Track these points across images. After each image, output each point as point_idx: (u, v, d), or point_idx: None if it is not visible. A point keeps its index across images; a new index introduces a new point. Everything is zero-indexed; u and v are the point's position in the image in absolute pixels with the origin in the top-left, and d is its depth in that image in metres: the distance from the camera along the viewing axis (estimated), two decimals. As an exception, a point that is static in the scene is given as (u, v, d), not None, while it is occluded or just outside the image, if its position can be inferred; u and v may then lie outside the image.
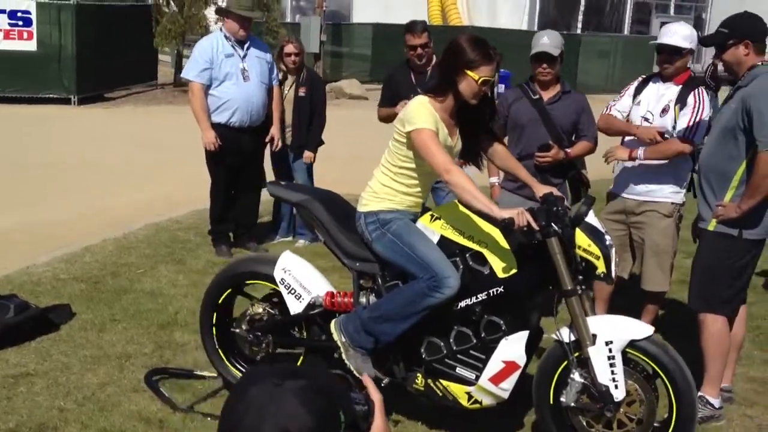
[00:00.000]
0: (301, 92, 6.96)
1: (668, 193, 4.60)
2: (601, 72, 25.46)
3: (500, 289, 3.50)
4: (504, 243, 3.52)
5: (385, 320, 3.60)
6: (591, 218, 3.51)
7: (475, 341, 3.60)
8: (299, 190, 4.13)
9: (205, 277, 6.17)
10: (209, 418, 3.96)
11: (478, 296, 3.54)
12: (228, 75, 6.50)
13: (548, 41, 4.82)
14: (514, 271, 3.48)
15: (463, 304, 3.55)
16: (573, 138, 5.00)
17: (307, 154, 7.09)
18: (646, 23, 31.04)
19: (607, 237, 3.53)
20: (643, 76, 4.84)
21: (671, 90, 4.56)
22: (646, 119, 4.59)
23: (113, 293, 5.75)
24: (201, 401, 4.17)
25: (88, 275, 6.12)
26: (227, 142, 6.54)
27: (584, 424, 3.57)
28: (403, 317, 3.57)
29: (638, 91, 4.71)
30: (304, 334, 4.00)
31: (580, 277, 3.46)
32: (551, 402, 3.59)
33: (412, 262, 3.57)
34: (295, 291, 3.91)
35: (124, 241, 7.12)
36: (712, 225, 3.94)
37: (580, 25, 29.85)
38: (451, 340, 3.64)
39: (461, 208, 3.73)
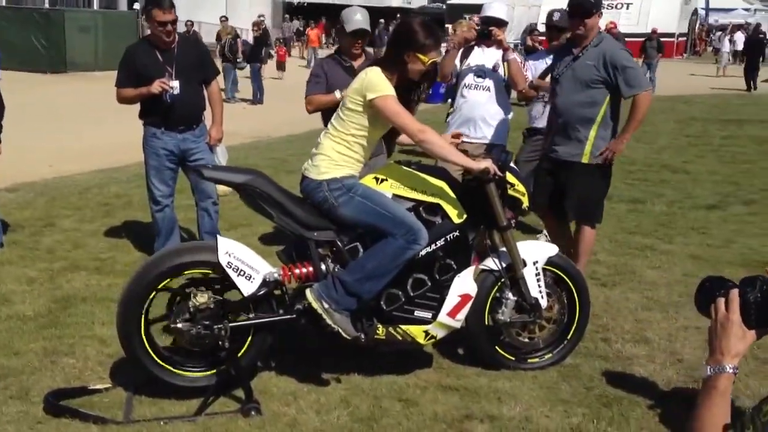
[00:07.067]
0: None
1: None
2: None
3: (456, 233, 4.01)
4: (451, 192, 4.03)
5: (368, 279, 3.82)
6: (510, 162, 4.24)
7: (429, 284, 4.03)
8: (234, 170, 3.97)
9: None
10: (162, 422, 3.68)
11: (437, 243, 3.98)
12: None
13: (362, 18, 5.34)
14: (465, 215, 4.02)
15: (423, 252, 3.95)
16: None
17: None
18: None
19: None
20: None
21: (495, 52, 5.76)
22: (479, 76, 5.77)
23: None
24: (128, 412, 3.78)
25: None
26: None
27: (514, 335, 4.33)
28: (385, 273, 3.84)
29: (464, 56, 5.79)
30: (252, 314, 3.92)
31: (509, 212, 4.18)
32: (486, 323, 4.25)
33: (385, 220, 3.83)
34: (245, 272, 3.81)
35: None
36: (585, 158, 5.05)
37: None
38: (408, 287, 4.01)
39: (402, 167, 4.11)
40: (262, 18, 23.17)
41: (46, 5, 31.28)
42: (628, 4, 38.24)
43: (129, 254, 6.37)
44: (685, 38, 43.91)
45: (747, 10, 49.18)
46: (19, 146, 11.68)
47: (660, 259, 6.30)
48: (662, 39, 25.09)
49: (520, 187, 4.17)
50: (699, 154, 11.65)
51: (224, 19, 21.96)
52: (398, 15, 41.50)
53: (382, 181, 4.03)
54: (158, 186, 5.87)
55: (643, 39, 24.36)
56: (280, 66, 25.53)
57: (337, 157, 3.89)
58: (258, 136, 13.72)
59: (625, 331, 4.82)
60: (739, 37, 32.28)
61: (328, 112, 5.36)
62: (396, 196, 3.98)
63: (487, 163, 3.89)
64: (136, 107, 5.87)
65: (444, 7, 43.77)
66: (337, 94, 5.26)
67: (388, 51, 3.94)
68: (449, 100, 9.09)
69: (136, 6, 35.34)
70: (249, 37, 24.69)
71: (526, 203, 4.22)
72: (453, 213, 4.00)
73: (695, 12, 45.76)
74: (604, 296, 5.43)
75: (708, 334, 2.18)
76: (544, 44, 11.80)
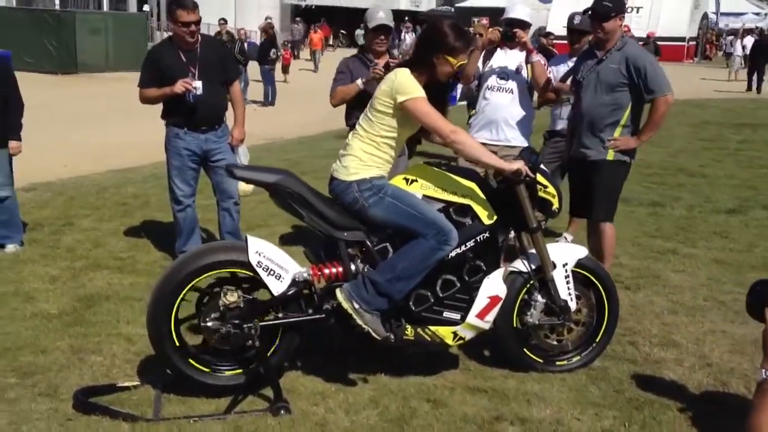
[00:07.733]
0: (-14, 77, 6.07)
1: None
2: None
3: (486, 235, 3.99)
4: (481, 193, 4.01)
5: (399, 279, 3.80)
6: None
7: (459, 285, 4.01)
8: (265, 170, 3.97)
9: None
10: (192, 420, 3.67)
11: (467, 244, 3.96)
12: None
13: (384, 16, 5.38)
14: (495, 217, 4.00)
15: (453, 253, 3.93)
16: None
17: (15, 144, 6.27)
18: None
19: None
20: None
21: (518, 54, 5.74)
22: (502, 78, 5.73)
23: None
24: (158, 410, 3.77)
25: None
26: None
27: (542, 337, 4.30)
28: (416, 273, 3.82)
29: (487, 58, 5.75)
30: (281, 314, 3.90)
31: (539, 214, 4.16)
32: (514, 325, 4.22)
33: (416, 220, 3.82)
34: (275, 272, 3.80)
35: None
36: (610, 155, 5.09)
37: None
38: (438, 288, 3.99)
39: (432, 168, 4.09)
40: (270, 20, 23.21)
41: (57, 7, 31.50)
42: (638, 8, 38.12)
43: (149, 254, 6.37)
44: (695, 42, 43.79)
45: (757, 14, 49.04)
46: (33, 146, 11.74)
47: (683, 262, 6.26)
48: (672, 43, 25.08)
49: (551, 189, 4.15)
50: (715, 158, 11.60)
51: (223, 22, 22.10)
52: (406, 18, 41.61)
53: (412, 181, 4.01)
54: (180, 186, 5.87)
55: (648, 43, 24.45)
56: (285, 69, 25.55)
57: (366, 157, 3.88)
58: (271, 138, 13.72)
59: (653, 335, 4.79)
60: (750, 42, 32.16)
61: (351, 109, 5.38)
62: (426, 197, 3.96)
63: (518, 165, 3.87)
64: (151, 108, 5.89)
65: (452, 10, 43.78)
66: (359, 83, 5.29)
67: (417, 52, 3.92)
68: (465, 102, 9.07)
69: (146, 8, 35.56)
70: (257, 39, 24.76)
71: (556, 205, 4.20)
72: (483, 214, 3.98)
73: (705, 16, 45.63)
74: (628, 299, 5.39)
75: (762, 337, 2.16)
76: (557, 47, 11.77)
